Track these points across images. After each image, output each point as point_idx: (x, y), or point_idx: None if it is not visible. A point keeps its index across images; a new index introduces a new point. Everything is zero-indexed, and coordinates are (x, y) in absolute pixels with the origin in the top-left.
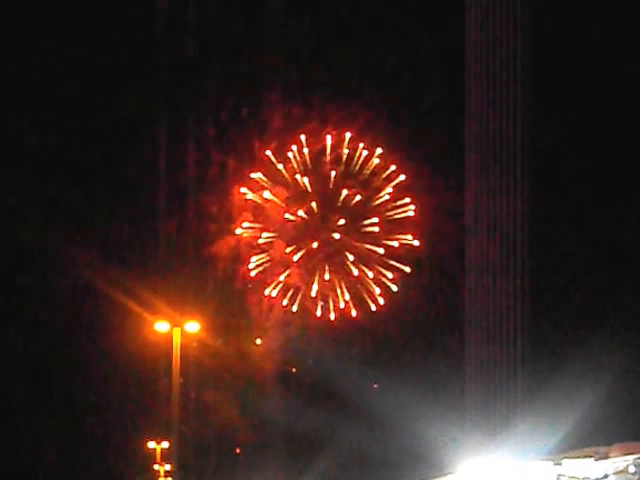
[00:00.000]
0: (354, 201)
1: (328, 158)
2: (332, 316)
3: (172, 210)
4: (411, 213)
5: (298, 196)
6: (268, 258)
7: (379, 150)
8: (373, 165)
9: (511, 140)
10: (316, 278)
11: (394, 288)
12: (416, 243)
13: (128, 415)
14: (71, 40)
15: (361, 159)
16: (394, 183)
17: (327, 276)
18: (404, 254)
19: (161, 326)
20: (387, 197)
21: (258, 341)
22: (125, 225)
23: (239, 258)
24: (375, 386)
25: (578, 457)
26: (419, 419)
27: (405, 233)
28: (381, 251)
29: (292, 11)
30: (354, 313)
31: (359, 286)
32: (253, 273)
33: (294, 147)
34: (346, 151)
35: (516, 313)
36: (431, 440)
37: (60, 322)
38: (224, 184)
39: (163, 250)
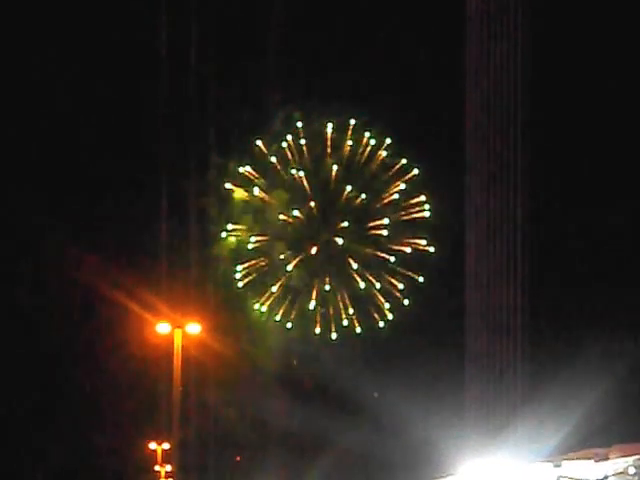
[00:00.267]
0: (359, 200)
1: (329, 150)
2: (334, 335)
3: (173, 210)
4: (427, 214)
5: (293, 194)
6: (258, 266)
7: (388, 140)
8: (381, 158)
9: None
10: (314, 290)
11: (405, 301)
12: (431, 249)
13: (129, 416)
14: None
15: (367, 151)
16: (406, 179)
17: (327, 287)
18: (417, 261)
19: (162, 327)
20: (397, 195)
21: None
22: (125, 226)
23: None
24: (375, 395)
25: (578, 458)
26: (420, 420)
27: (419, 237)
28: (391, 259)
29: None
30: (359, 330)
31: (365, 299)
32: (240, 284)
33: (289, 136)
34: (350, 142)
35: (516, 314)
36: (432, 441)
37: (61, 323)
38: (207, 179)
39: (164, 251)
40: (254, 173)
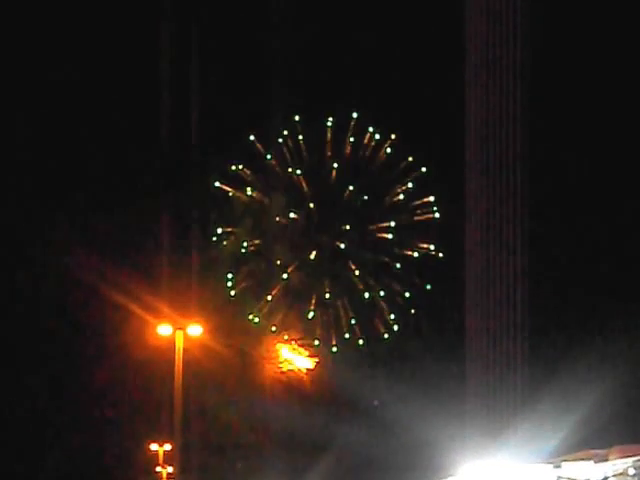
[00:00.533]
0: (361, 201)
1: (329, 147)
2: (334, 349)
3: (174, 211)
4: (435, 215)
5: (291, 194)
6: (253, 272)
7: (393, 136)
8: (385, 155)
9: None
10: (313, 298)
11: (411, 310)
12: (440, 254)
13: (130, 417)
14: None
15: (371, 147)
16: (412, 178)
17: (327, 295)
18: (424, 266)
19: (164, 329)
20: (403, 196)
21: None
22: (126, 226)
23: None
24: (375, 403)
25: (577, 460)
26: (420, 421)
27: (427, 241)
28: (397, 264)
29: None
30: (361, 342)
31: (368, 308)
32: (232, 292)
33: (285, 132)
34: (352, 138)
35: (517, 316)
36: (432, 442)
37: (61, 324)
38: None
39: (165, 252)
40: (250, 173)
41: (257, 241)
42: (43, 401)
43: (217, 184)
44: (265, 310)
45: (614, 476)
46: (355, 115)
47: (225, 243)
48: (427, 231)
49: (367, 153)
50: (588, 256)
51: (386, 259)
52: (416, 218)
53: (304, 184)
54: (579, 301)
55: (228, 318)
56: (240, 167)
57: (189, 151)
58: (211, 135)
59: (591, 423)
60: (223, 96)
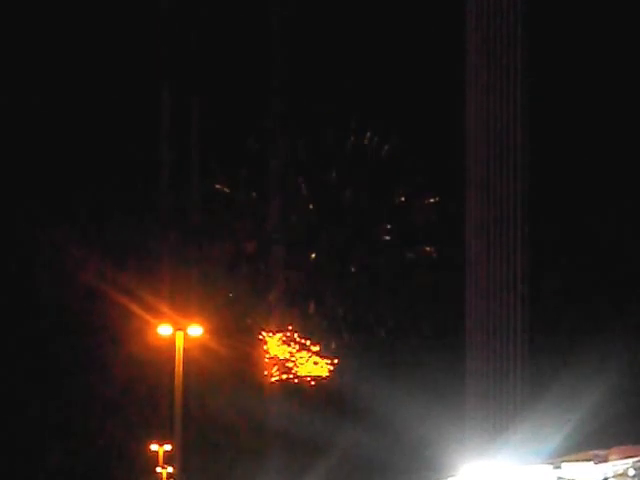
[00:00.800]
0: (361, 202)
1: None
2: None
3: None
4: (436, 216)
5: (290, 195)
6: (253, 273)
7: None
8: (385, 156)
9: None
10: (312, 300)
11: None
12: (439, 255)
13: (130, 417)
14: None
15: (370, 148)
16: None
17: (327, 296)
18: (425, 267)
19: (164, 329)
20: (402, 198)
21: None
22: (126, 226)
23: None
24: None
25: (577, 460)
26: (420, 422)
27: (426, 242)
28: (396, 265)
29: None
30: (359, 340)
31: (366, 308)
32: (232, 293)
33: (285, 133)
34: (351, 139)
35: (517, 316)
36: (432, 443)
37: (61, 324)
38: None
39: (165, 252)
40: (250, 175)
41: (257, 242)
42: (43, 401)
43: (217, 185)
44: (265, 310)
45: (614, 477)
46: (355, 116)
47: (225, 243)
48: (427, 232)
49: (367, 154)
50: (588, 256)
51: (386, 260)
52: (416, 219)
53: (303, 185)
54: (579, 301)
55: (229, 319)
56: (240, 168)
57: (189, 152)
58: (211, 136)
59: (591, 424)
60: (223, 97)
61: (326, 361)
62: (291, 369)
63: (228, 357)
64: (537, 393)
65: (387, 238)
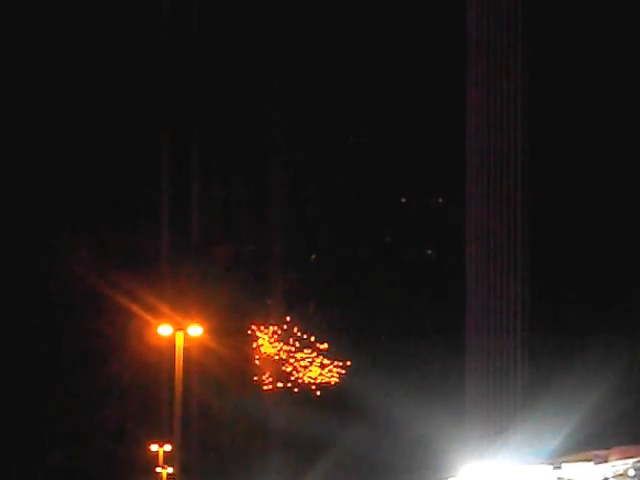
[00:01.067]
0: (361, 204)
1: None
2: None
3: (174, 211)
4: (435, 217)
5: (290, 196)
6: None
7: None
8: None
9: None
10: (311, 300)
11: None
12: (437, 255)
13: (130, 417)
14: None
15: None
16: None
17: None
18: (425, 268)
19: (164, 329)
20: (402, 199)
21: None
22: (127, 227)
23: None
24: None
25: (577, 460)
26: (420, 422)
27: (426, 243)
28: (397, 265)
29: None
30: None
31: (364, 307)
32: (232, 293)
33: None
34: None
35: (517, 316)
36: (431, 443)
37: (61, 324)
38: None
39: (166, 252)
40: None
41: (257, 242)
42: (43, 401)
43: (217, 186)
44: (266, 311)
45: (614, 477)
46: (355, 116)
47: (225, 244)
48: (427, 233)
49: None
50: (589, 256)
51: (386, 260)
52: (416, 220)
53: (303, 187)
54: (579, 301)
55: (228, 319)
56: (240, 169)
57: (189, 153)
58: (211, 137)
59: (591, 424)
60: (223, 97)
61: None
62: (290, 374)
63: (228, 357)
64: (537, 393)
65: (387, 239)
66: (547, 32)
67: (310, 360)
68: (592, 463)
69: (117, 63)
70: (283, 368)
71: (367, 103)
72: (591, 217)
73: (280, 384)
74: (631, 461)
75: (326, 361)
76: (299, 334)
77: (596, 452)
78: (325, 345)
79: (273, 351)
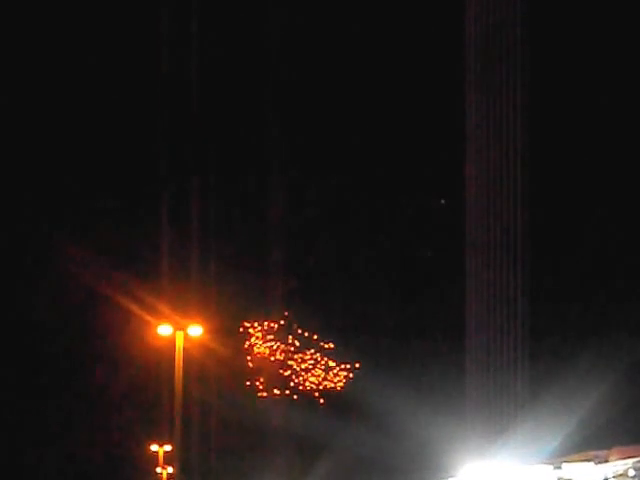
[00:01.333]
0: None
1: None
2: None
3: (174, 211)
4: (435, 217)
5: (292, 198)
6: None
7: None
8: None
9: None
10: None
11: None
12: (435, 254)
13: (131, 418)
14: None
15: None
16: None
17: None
18: (424, 268)
19: (164, 329)
20: (402, 200)
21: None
22: (128, 227)
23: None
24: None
25: (578, 461)
26: (420, 422)
27: (426, 243)
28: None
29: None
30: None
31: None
32: (232, 293)
33: (286, 135)
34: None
35: (517, 317)
36: (432, 443)
37: (62, 324)
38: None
39: (166, 253)
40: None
41: (257, 242)
42: (44, 401)
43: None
44: (265, 311)
45: (614, 477)
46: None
47: (226, 244)
48: (428, 233)
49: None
50: (589, 256)
51: (386, 261)
52: (416, 220)
53: (304, 189)
54: (580, 301)
55: (228, 319)
56: (240, 169)
57: (190, 153)
58: (211, 136)
59: (592, 424)
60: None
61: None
62: (289, 379)
63: (228, 357)
64: (537, 393)
65: (387, 239)
66: (547, 32)
67: (313, 363)
68: (592, 463)
69: (117, 63)
70: (280, 371)
71: (367, 103)
72: (591, 217)
73: (277, 391)
74: (631, 461)
75: (332, 363)
76: (299, 331)
77: (596, 452)
78: (331, 344)
79: (268, 351)
